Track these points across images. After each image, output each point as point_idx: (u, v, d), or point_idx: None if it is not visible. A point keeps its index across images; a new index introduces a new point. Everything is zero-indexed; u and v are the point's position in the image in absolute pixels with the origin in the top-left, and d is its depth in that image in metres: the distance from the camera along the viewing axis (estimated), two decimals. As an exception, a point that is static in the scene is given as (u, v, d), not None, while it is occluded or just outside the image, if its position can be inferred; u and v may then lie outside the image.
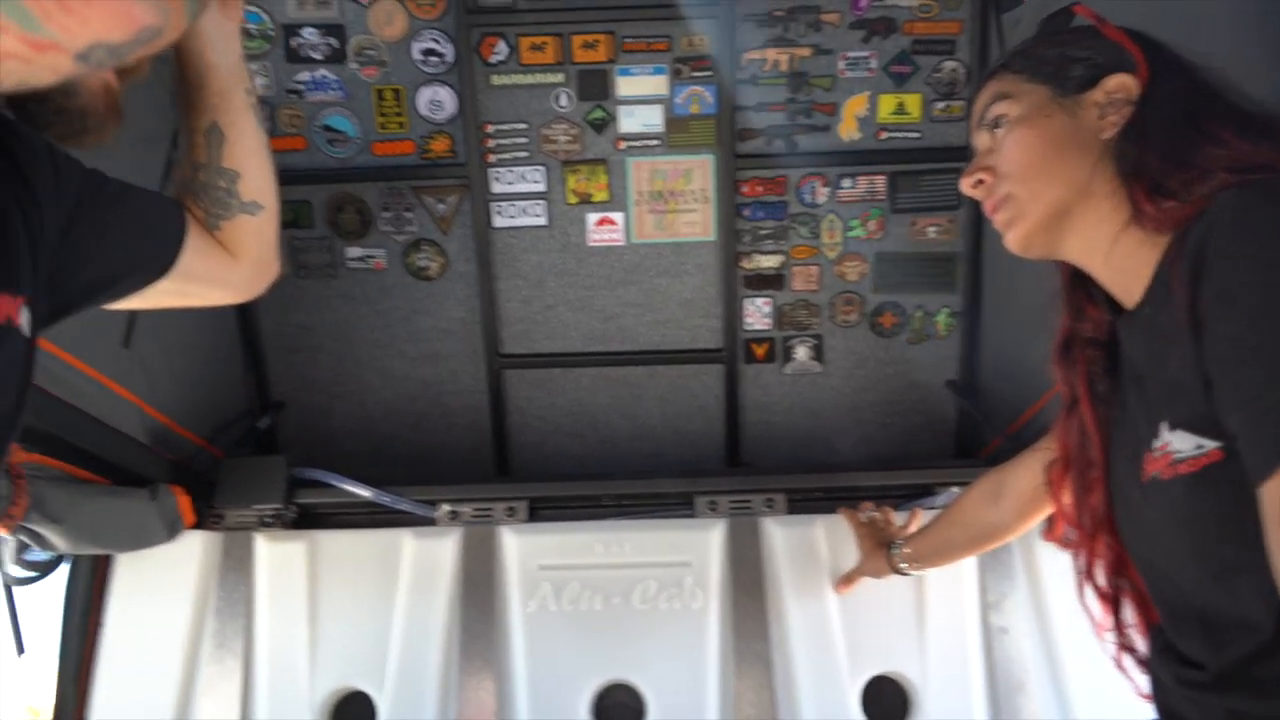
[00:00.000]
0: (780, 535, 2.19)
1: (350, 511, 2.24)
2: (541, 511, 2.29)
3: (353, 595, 2.11)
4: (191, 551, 2.09)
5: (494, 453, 2.70)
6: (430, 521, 2.23)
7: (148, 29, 0.57)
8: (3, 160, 0.89)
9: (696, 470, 2.49)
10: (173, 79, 1.07)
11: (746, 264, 2.60)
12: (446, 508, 2.23)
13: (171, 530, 2.01)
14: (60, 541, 1.80)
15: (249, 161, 1.11)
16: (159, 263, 1.09)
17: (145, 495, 1.95)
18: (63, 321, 1.01)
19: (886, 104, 2.47)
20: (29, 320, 0.89)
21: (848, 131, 2.50)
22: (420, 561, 2.14)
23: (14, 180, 0.91)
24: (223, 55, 1.04)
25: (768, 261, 2.60)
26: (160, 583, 2.07)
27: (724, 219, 2.53)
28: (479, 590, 2.13)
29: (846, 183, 2.54)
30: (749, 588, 2.14)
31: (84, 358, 1.74)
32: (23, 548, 1.83)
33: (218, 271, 1.15)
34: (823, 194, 2.55)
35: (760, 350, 2.68)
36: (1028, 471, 1.57)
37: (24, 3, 0.51)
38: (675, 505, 2.33)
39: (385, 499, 2.23)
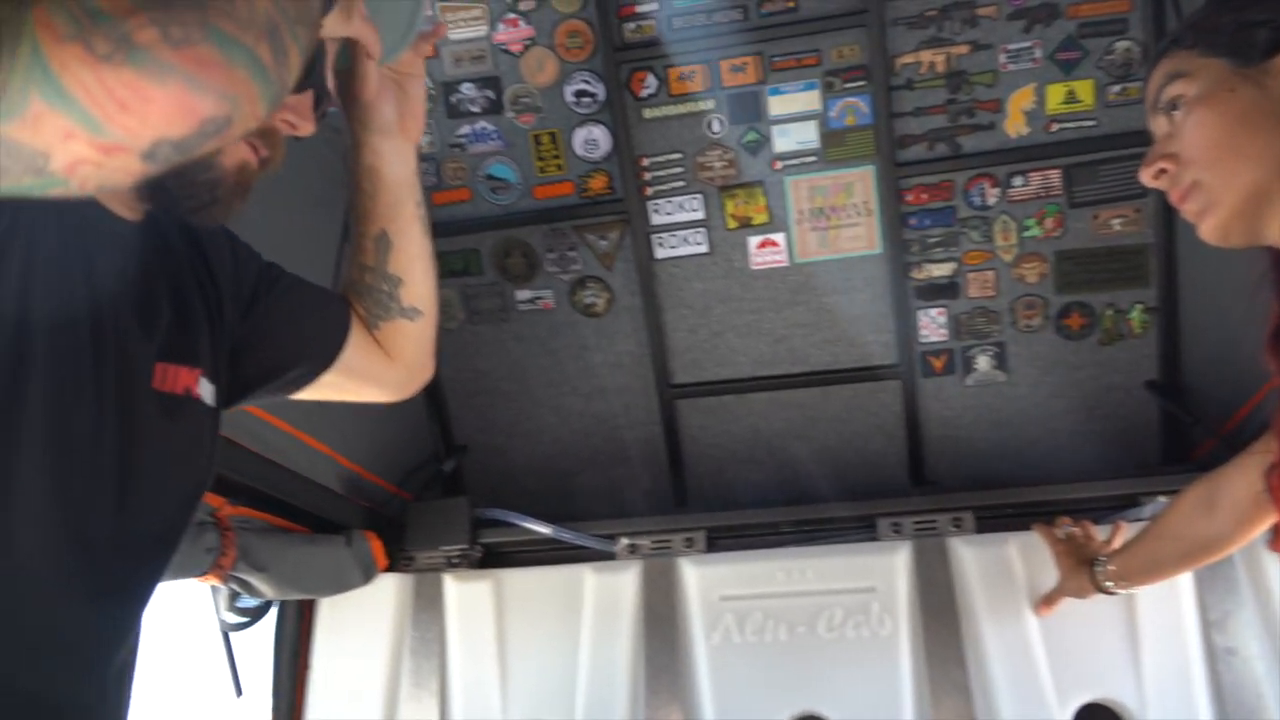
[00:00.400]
0: (970, 556, 2.17)
1: (532, 549, 2.39)
2: (720, 541, 2.36)
3: (539, 631, 2.25)
4: (386, 593, 2.29)
5: (671, 484, 2.79)
6: (610, 555, 2.34)
7: (212, 121, 0.57)
8: (188, 244, 1.06)
9: (878, 491, 2.50)
10: (347, 176, 1.20)
11: (917, 274, 2.59)
12: (625, 541, 2.34)
13: (367, 574, 2.22)
14: (267, 588, 2.02)
15: (412, 269, 1.19)
16: (326, 354, 1.17)
17: (342, 542, 2.17)
18: (245, 403, 1.16)
19: (1055, 94, 2.42)
20: (211, 393, 1.01)
21: (1014, 127, 2.46)
22: (602, 596, 2.25)
23: (198, 263, 1.06)
24: (397, 170, 1.14)
25: (939, 270, 2.58)
26: (359, 624, 2.28)
27: (889, 230, 2.53)
28: (661, 623, 2.22)
29: (1018, 181, 2.49)
30: (940, 612, 2.13)
31: (282, 416, 1.95)
32: (234, 595, 2.07)
33: (374, 369, 1.23)
34: (993, 195, 2.51)
35: (938, 363, 2.66)
36: (1245, 476, 1.49)
37: (86, 106, 0.52)
38: (857, 529, 2.34)
39: (565, 535, 2.36)
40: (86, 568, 0.83)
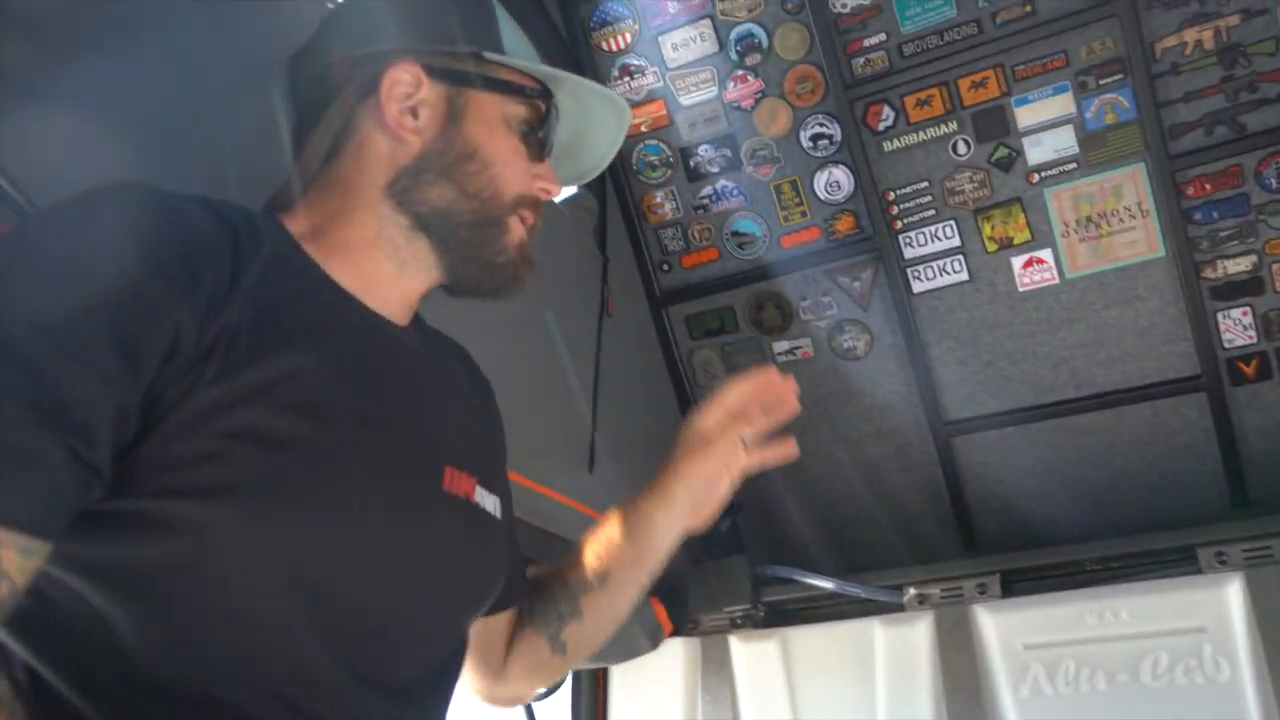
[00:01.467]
0: (1320, 583, 2.11)
1: (817, 605, 2.59)
2: (1016, 585, 2.43)
3: (831, 691, 2.43)
4: (674, 658, 2.55)
5: (956, 526, 2.89)
6: (898, 607, 2.48)
7: None
8: (470, 371, 1.30)
9: (1193, 518, 2.47)
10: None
11: (1211, 273, 2.57)
12: (913, 591, 2.47)
13: (654, 640, 2.50)
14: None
15: (599, 619, 1.25)
16: (506, 596, 1.21)
17: None
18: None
19: (1354, 53, 2.34)
20: (494, 504, 1.12)
21: (1309, 97, 2.40)
22: (894, 651, 2.39)
23: (476, 390, 1.24)
24: (660, 544, 1.23)
25: (1237, 265, 2.55)
26: (652, 689, 2.55)
27: (1172, 229, 2.54)
28: (961, 677, 2.32)
29: (1321, 155, 2.42)
30: (1289, 652, 2.08)
31: (554, 486, 2.03)
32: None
33: (492, 655, 1.27)
34: (1292, 175, 2.45)
35: (1249, 368, 2.60)
36: None
37: None
38: (1174, 561, 2.33)
39: (850, 589, 2.54)
40: (387, 663, 0.93)
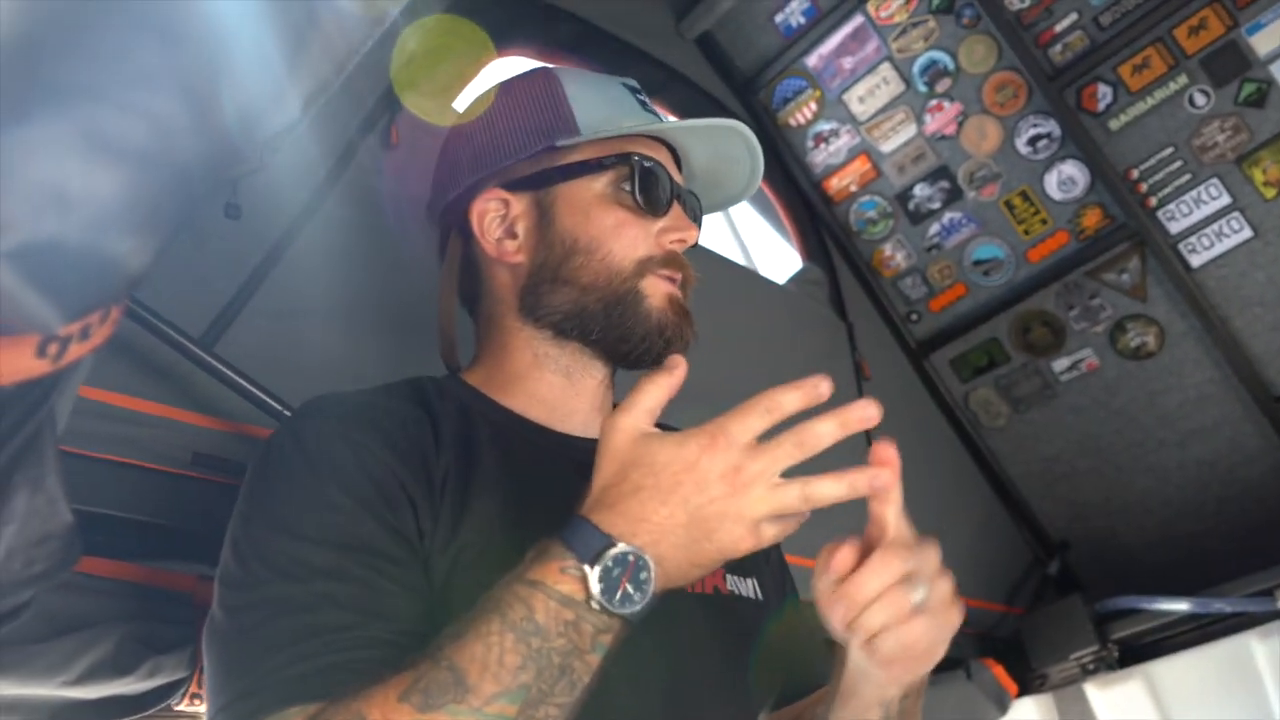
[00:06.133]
0: None
1: (1176, 631, 2.48)
2: None
3: (1216, 721, 2.33)
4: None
5: (1323, 511, 2.71)
6: (1274, 615, 2.36)
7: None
8: None
9: None
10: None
11: None
12: (1286, 593, 2.35)
13: (1001, 704, 2.47)
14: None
15: None
16: (801, 678, 1.20)
17: (961, 677, 2.48)
18: None
19: None
20: (750, 586, 1.14)
21: None
22: (1281, 662, 2.28)
23: None
24: (851, 678, 0.97)
25: None
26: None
27: None
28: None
29: None
30: None
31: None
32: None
33: None
34: None
35: None
36: None
37: None
38: None
39: (1211, 606, 2.43)
40: None
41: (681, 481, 0.80)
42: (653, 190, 1.13)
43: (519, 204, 1.15)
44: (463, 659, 0.75)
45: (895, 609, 0.83)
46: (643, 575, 0.78)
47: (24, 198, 0.46)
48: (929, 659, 0.90)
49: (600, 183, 1.13)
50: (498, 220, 1.15)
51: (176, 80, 0.49)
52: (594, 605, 0.77)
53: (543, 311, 1.12)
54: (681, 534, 0.80)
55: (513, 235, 1.14)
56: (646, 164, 1.13)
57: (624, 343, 1.10)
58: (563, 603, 0.77)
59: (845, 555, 0.84)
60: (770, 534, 0.82)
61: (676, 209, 1.16)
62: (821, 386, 0.84)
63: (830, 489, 0.81)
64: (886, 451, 0.84)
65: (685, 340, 1.12)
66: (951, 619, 0.88)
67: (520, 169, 1.15)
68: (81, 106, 0.47)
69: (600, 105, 1.18)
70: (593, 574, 0.77)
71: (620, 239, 1.11)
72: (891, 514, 0.85)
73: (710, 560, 0.82)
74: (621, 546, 0.78)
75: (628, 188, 1.12)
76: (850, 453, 0.84)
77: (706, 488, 0.80)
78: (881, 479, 0.82)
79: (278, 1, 0.57)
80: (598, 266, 1.10)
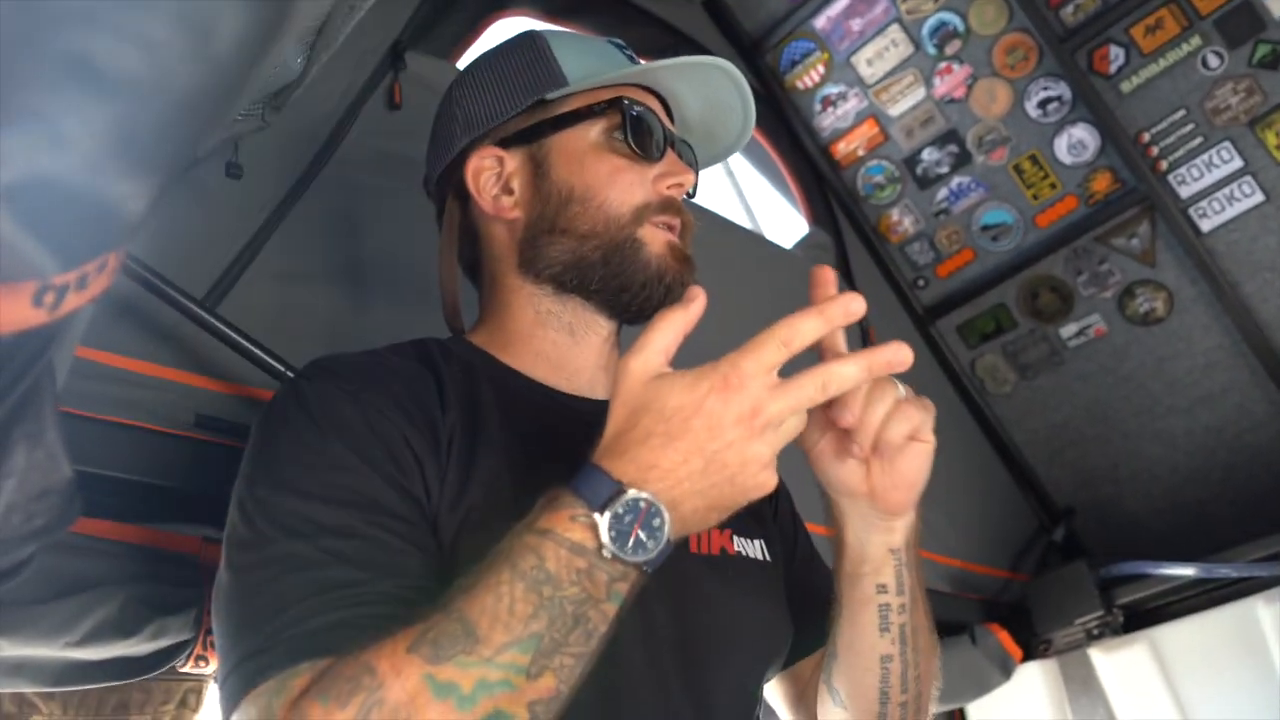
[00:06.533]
0: None
1: (1182, 596, 2.47)
2: None
3: (1221, 686, 2.32)
4: (1033, 685, 2.51)
5: (1331, 476, 2.70)
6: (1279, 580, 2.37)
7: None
8: None
9: None
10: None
11: None
12: (1294, 558, 2.35)
13: (1005, 669, 2.47)
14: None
15: (851, 657, 1.07)
16: (807, 638, 1.19)
17: (966, 642, 2.48)
18: None
19: None
20: (758, 547, 1.15)
21: None
22: (1288, 627, 2.28)
23: None
24: (857, 539, 1.00)
25: None
26: (1016, 724, 2.54)
27: None
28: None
29: None
30: None
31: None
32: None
33: (806, 710, 1.22)
34: None
35: None
36: None
37: None
38: None
39: (1218, 571, 2.42)
40: None
41: (692, 427, 0.77)
42: (645, 136, 1.12)
43: (513, 160, 1.14)
44: (473, 610, 0.74)
45: (889, 397, 0.89)
46: (655, 522, 0.77)
47: (16, 131, 0.45)
48: (923, 470, 0.94)
49: (593, 131, 1.13)
50: (493, 178, 1.15)
51: (173, 5, 0.47)
52: (605, 554, 0.76)
53: (542, 265, 1.12)
54: (699, 479, 0.78)
55: (509, 191, 1.14)
56: (636, 109, 1.13)
57: (624, 291, 1.10)
58: (574, 550, 0.76)
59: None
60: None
61: (671, 155, 1.15)
62: (852, 305, 0.83)
63: (850, 370, 0.81)
64: (823, 271, 0.90)
65: (685, 286, 1.10)
66: (929, 408, 0.92)
67: (511, 125, 1.15)
68: (74, 31, 0.45)
69: (587, 58, 1.18)
70: (603, 521, 0.76)
71: (616, 185, 1.10)
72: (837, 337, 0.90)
73: (732, 503, 0.81)
74: (632, 493, 0.76)
75: (620, 135, 1.12)
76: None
77: (721, 432, 0.78)
78: (858, 305, 0.83)
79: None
80: (595, 214, 1.09)
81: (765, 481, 0.80)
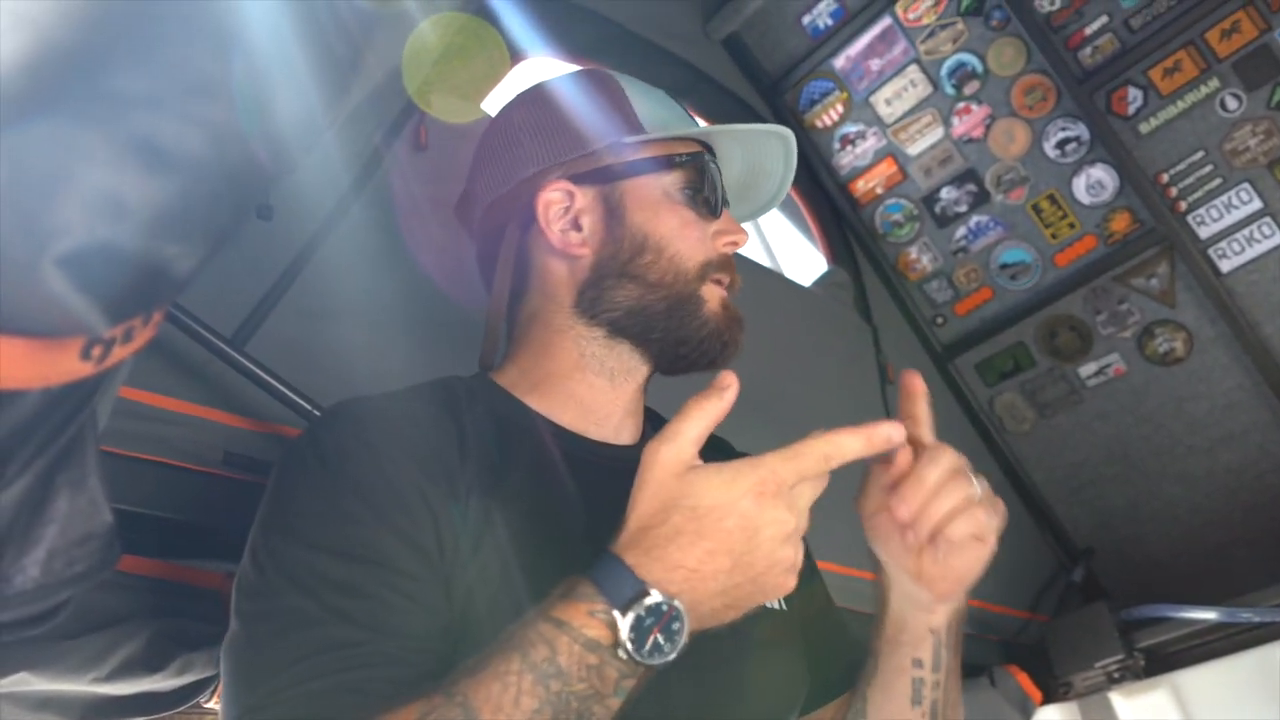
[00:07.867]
0: None
1: (1203, 641, 2.46)
2: None
3: (1245, 732, 2.32)
4: (1055, 728, 2.52)
5: (1355, 520, 2.69)
6: (1304, 625, 2.35)
7: None
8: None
9: None
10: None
11: None
12: (1317, 603, 2.33)
13: (1025, 711, 2.46)
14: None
15: (879, 712, 1.06)
16: (826, 686, 1.17)
17: (985, 683, 2.47)
18: None
19: None
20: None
21: None
22: (1311, 672, 2.26)
23: None
24: (899, 608, 1.00)
25: None
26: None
27: None
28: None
29: None
30: None
31: (869, 568, 2.35)
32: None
33: None
34: None
35: None
36: None
37: None
38: None
39: (1239, 616, 2.40)
40: None
41: (725, 528, 0.76)
42: (713, 193, 1.14)
43: (584, 197, 1.12)
44: (477, 697, 0.72)
45: (960, 494, 0.88)
46: (675, 626, 0.75)
47: (80, 204, 0.46)
48: (976, 569, 0.93)
49: (666, 181, 1.13)
50: (562, 211, 1.12)
51: (232, 88, 0.49)
52: (620, 653, 0.74)
53: (603, 307, 1.10)
54: (724, 579, 0.76)
55: (577, 228, 1.12)
56: (712, 166, 1.14)
57: (683, 344, 1.10)
58: (588, 647, 0.74)
59: (905, 455, 0.89)
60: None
61: (727, 213, 1.16)
62: (894, 435, 0.83)
63: (853, 444, 0.81)
64: (915, 381, 0.94)
65: (738, 346, 1.12)
66: (1000, 512, 0.91)
67: (584, 163, 1.13)
68: (142, 116, 0.47)
69: (657, 108, 1.19)
70: (624, 622, 0.74)
71: (686, 239, 1.10)
72: (925, 426, 0.92)
73: (751, 603, 0.80)
74: (655, 596, 0.74)
75: (690, 190, 1.13)
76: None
77: (755, 537, 0.77)
78: (899, 435, 0.82)
79: (316, 2, 0.57)
80: (666, 265, 1.09)
81: (787, 584, 0.79)
